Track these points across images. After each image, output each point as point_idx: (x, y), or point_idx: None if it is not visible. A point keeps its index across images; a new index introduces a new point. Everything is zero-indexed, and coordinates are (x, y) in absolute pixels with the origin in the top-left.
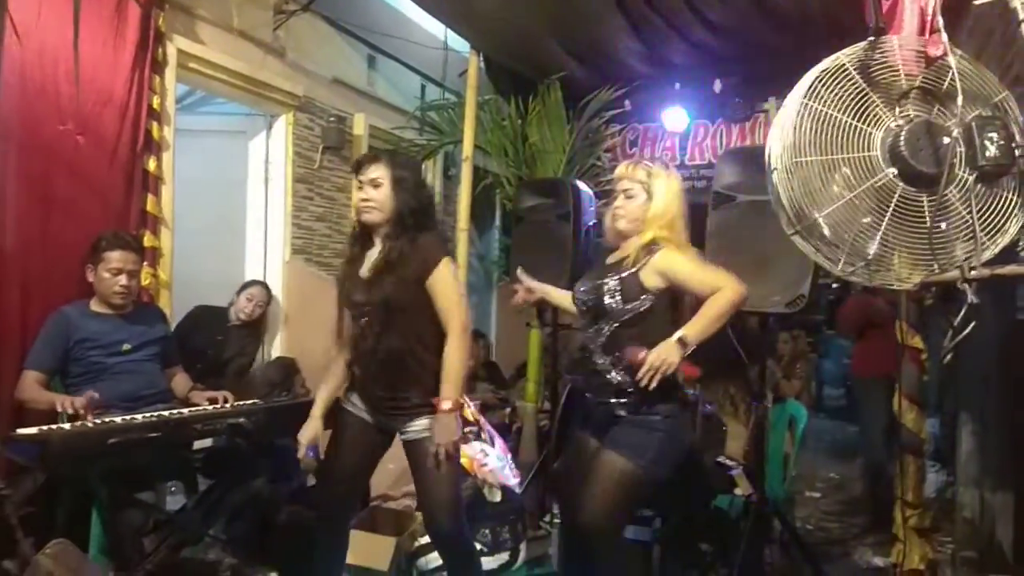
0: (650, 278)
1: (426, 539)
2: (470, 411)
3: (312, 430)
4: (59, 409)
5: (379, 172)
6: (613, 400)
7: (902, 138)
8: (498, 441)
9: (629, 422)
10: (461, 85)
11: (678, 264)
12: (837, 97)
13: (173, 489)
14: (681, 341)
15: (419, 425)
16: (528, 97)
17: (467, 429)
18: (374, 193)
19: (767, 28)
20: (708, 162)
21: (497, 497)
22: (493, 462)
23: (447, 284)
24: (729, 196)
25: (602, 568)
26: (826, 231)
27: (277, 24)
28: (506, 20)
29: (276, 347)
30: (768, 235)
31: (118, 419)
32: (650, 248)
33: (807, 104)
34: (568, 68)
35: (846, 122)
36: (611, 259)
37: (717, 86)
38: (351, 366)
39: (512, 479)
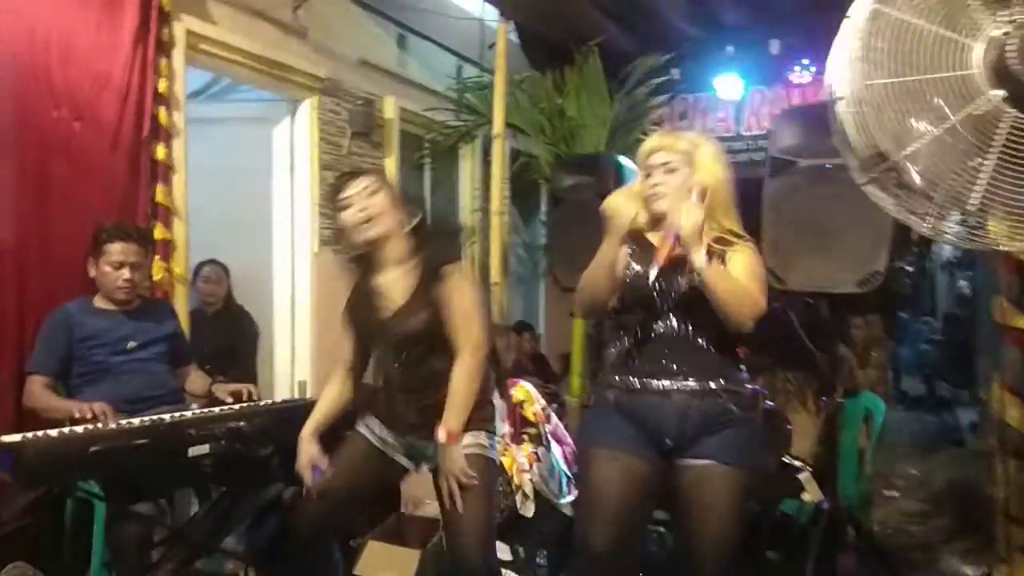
0: None
1: None
2: (532, 411)
3: (308, 455)
4: (76, 416)
5: (369, 182)
6: (721, 392)
7: (1011, 50)
8: (559, 448)
9: (737, 420)
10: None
11: (751, 257)
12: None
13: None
14: (709, 253)
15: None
16: (565, 68)
17: (526, 430)
18: (370, 204)
19: None
20: (766, 131)
21: (529, 512)
22: (541, 469)
23: (459, 294)
24: (788, 161)
25: None
26: (914, 176)
27: (297, 3)
28: None
29: (305, 335)
30: (834, 204)
31: (112, 424)
32: (737, 236)
33: (879, 10)
34: (607, 33)
35: (932, 32)
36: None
37: (774, 47)
38: (375, 391)
39: (564, 496)
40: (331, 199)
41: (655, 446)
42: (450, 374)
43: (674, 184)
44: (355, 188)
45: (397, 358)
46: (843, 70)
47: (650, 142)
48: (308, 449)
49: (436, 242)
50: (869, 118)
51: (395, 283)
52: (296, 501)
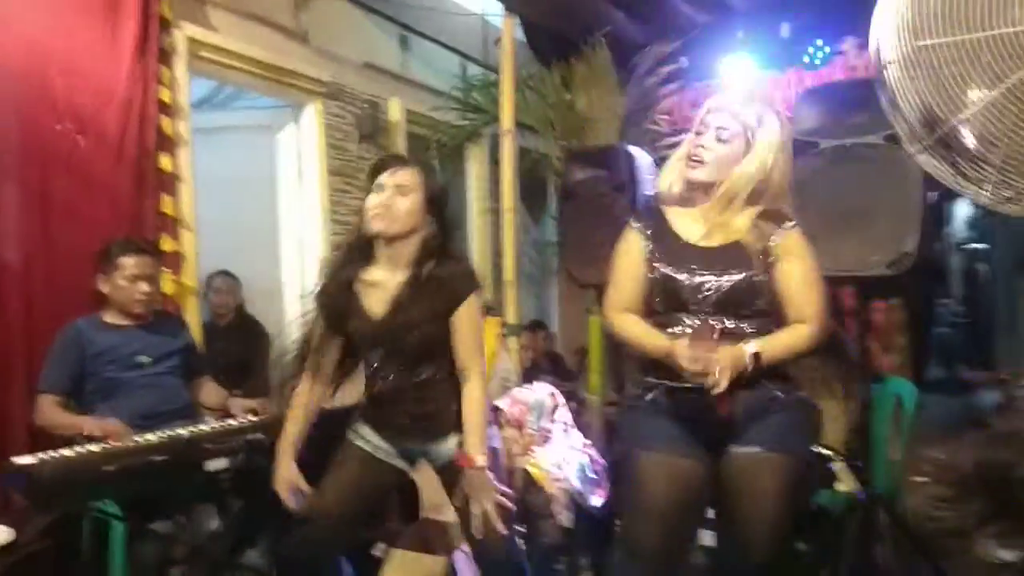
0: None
1: None
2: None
3: (287, 481)
4: (85, 433)
5: (409, 178)
6: (767, 383)
7: None
8: (580, 438)
9: (783, 405)
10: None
11: (803, 261)
12: None
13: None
14: (755, 357)
15: (452, 443)
16: (572, 62)
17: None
18: (399, 201)
19: None
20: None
21: (568, 521)
22: (571, 476)
23: (473, 323)
24: (809, 143)
25: None
26: (972, 142)
27: (298, 7)
28: None
29: None
30: (859, 184)
31: (127, 441)
32: (779, 220)
33: None
34: (614, 23)
35: None
36: (688, 233)
37: (785, 30)
38: (367, 397)
39: (594, 497)
40: (369, 174)
41: (702, 442)
42: (436, 379)
43: (719, 155)
44: (392, 179)
45: (391, 364)
46: (890, 34)
47: (713, 100)
48: (286, 474)
49: (453, 262)
50: (920, 82)
51: (389, 284)
52: (294, 524)
